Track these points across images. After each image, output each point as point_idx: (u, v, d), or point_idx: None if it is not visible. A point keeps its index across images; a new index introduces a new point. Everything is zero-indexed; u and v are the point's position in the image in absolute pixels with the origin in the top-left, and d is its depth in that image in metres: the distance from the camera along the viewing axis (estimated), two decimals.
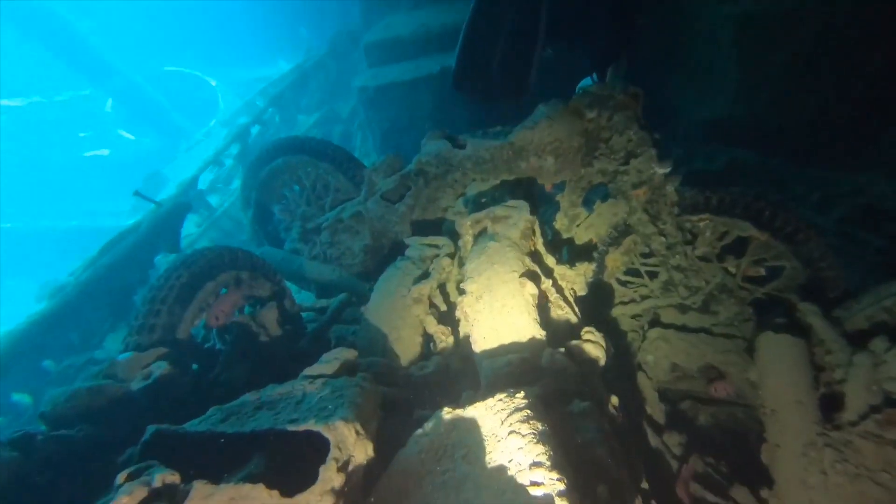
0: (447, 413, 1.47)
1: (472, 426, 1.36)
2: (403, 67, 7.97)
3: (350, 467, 1.31)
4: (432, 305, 2.63)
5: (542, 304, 2.27)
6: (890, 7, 5.14)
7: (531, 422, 1.27)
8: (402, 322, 2.42)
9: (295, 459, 1.43)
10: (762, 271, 2.98)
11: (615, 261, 3.31)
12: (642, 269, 3.31)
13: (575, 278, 2.61)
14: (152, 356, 2.05)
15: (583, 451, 1.51)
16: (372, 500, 1.34)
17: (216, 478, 1.16)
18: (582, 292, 2.58)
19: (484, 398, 1.79)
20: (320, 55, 13.04)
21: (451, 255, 2.81)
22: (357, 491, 1.34)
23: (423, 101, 7.89)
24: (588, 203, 3.42)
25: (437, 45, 7.92)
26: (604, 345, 2.09)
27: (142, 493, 1.08)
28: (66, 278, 4.94)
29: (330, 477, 1.23)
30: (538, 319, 2.07)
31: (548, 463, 1.17)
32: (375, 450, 1.43)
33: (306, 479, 1.22)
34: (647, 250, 3.23)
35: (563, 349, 1.93)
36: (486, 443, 1.29)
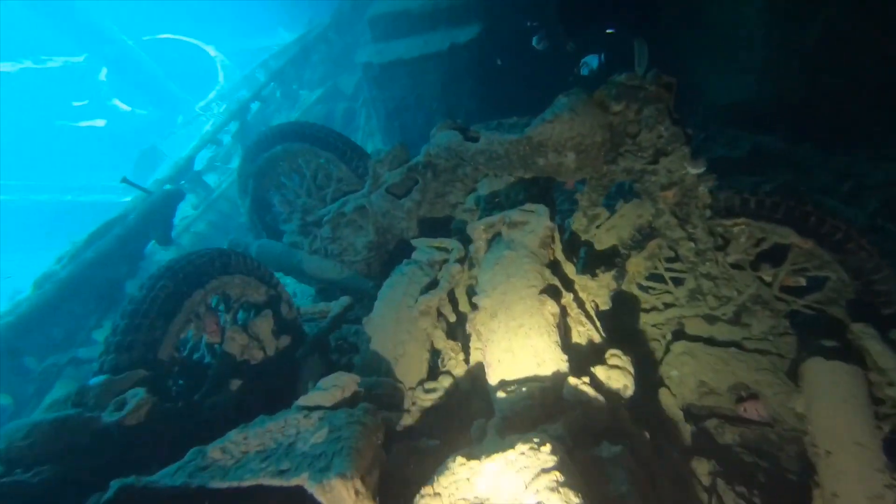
0: (460, 465, 1.32)
1: (489, 487, 1.21)
2: (410, 43, 7.66)
3: None
4: (440, 316, 2.47)
5: (562, 320, 2.11)
6: None
7: (562, 490, 1.11)
8: (409, 336, 2.27)
9: None
10: (803, 282, 2.80)
11: (637, 265, 3.13)
12: (666, 275, 3.13)
13: (597, 290, 2.45)
14: (128, 381, 1.89)
15: None
16: None
17: None
18: (605, 306, 2.41)
19: (501, 434, 1.65)
20: (323, 27, 12.63)
21: (462, 260, 2.64)
22: None
23: (431, 80, 7.61)
24: (610, 201, 3.23)
25: (446, 20, 7.59)
26: (631, 371, 1.94)
27: None
28: (52, 266, 4.80)
29: None
30: (559, 342, 1.91)
31: None
32: None
33: None
34: (672, 254, 3.05)
35: (586, 379, 1.77)
36: None
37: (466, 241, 2.66)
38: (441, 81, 7.54)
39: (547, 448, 1.27)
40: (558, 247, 2.44)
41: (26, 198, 18.89)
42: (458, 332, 2.44)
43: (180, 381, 2.28)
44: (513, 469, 1.25)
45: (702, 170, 2.71)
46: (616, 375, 1.88)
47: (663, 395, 2.79)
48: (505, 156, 2.87)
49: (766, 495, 2.24)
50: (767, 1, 6.41)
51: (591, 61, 6.39)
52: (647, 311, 3.15)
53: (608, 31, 5.37)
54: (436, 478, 1.32)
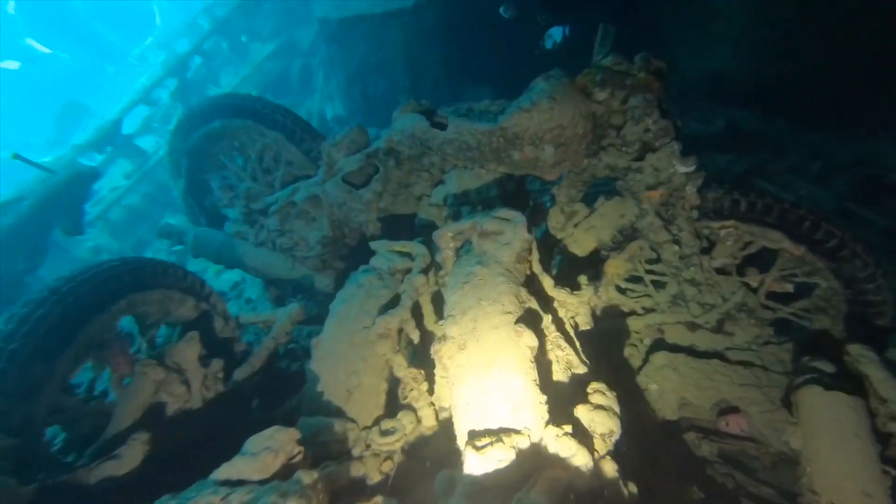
0: None
1: None
2: None
3: None
4: (403, 334, 2.24)
5: (541, 350, 1.91)
6: None
7: None
8: (364, 364, 2.03)
9: None
10: (790, 288, 2.70)
11: (616, 267, 2.96)
12: (647, 278, 2.98)
13: (577, 307, 2.25)
14: None
15: None
16: None
17: None
18: (585, 325, 2.23)
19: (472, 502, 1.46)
20: None
21: (427, 269, 2.39)
22: None
23: (395, 40, 7.10)
24: (590, 196, 3.02)
25: None
26: (617, 409, 1.77)
27: None
28: None
29: None
30: (537, 380, 1.71)
31: None
32: None
33: None
34: (654, 255, 2.89)
35: (568, 427, 1.59)
36: None
37: (434, 248, 2.41)
38: (405, 42, 7.04)
39: None
40: (535, 258, 2.22)
41: None
42: (422, 355, 2.22)
43: (69, 436, 1.88)
44: None
45: (691, 168, 2.53)
46: (600, 418, 1.71)
47: (642, 408, 2.68)
48: (476, 147, 2.60)
49: None
50: None
51: (556, 34, 6.13)
52: (625, 314, 3.00)
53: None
54: None
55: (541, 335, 1.95)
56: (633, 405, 2.78)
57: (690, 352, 2.76)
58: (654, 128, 2.51)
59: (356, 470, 1.73)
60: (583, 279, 2.59)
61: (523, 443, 1.56)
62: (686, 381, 2.58)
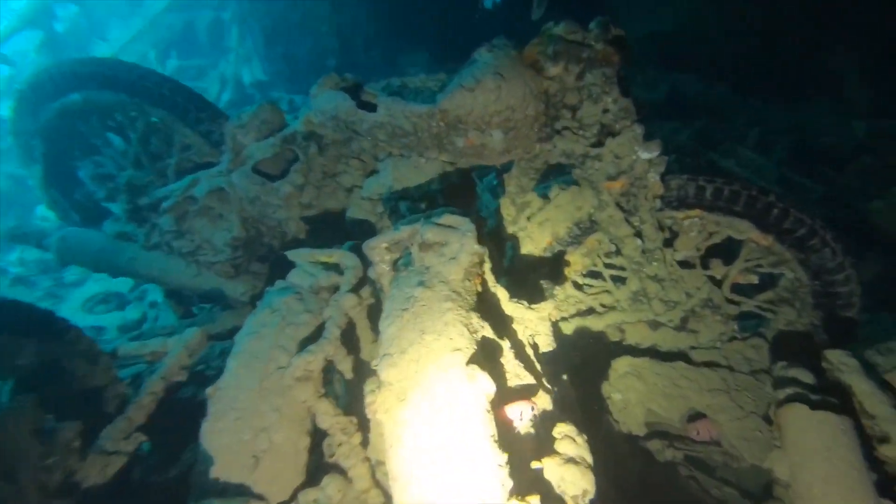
0: None
1: None
2: None
3: None
4: (330, 371, 1.89)
5: (499, 386, 1.62)
6: None
7: None
8: (277, 417, 1.67)
9: None
10: (755, 279, 2.58)
11: (573, 262, 2.73)
12: (606, 273, 2.77)
13: (537, 324, 1.98)
14: None
15: None
16: None
17: None
18: (547, 346, 1.96)
19: None
20: None
21: (360, 286, 2.03)
22: None
23: None
24: (544, 184, 2.74)
25: None
26: (589, 460, 1.53)
27: None
28: None
29: None
30: (495, 435, 1.43)
31: None
32: None
33: None
34: (613, 248, 2.68)
35: (535, 499, 1.33)
36: None
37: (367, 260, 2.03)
38: None
39: None
40: (487, 268, 1.91)
41: None
42: (357, 390, 1.87)
43: None
44: None
45: (655, 154, 2.29)
46: (571, 476, 1.46)
47: (605, 419, 2.50)
48: (413, 133, 2.22)
49: None
50: None
51: None
52: (583, 314, 2.79)
53: None
54: None
55: (499, 371, 1.67)
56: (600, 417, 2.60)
57: (654, 353, 2.61)
58: (614, 108, 2.24)
59: None
60: (546, 286, 2.34)
61: None
62: (652, 391, 2.42)
